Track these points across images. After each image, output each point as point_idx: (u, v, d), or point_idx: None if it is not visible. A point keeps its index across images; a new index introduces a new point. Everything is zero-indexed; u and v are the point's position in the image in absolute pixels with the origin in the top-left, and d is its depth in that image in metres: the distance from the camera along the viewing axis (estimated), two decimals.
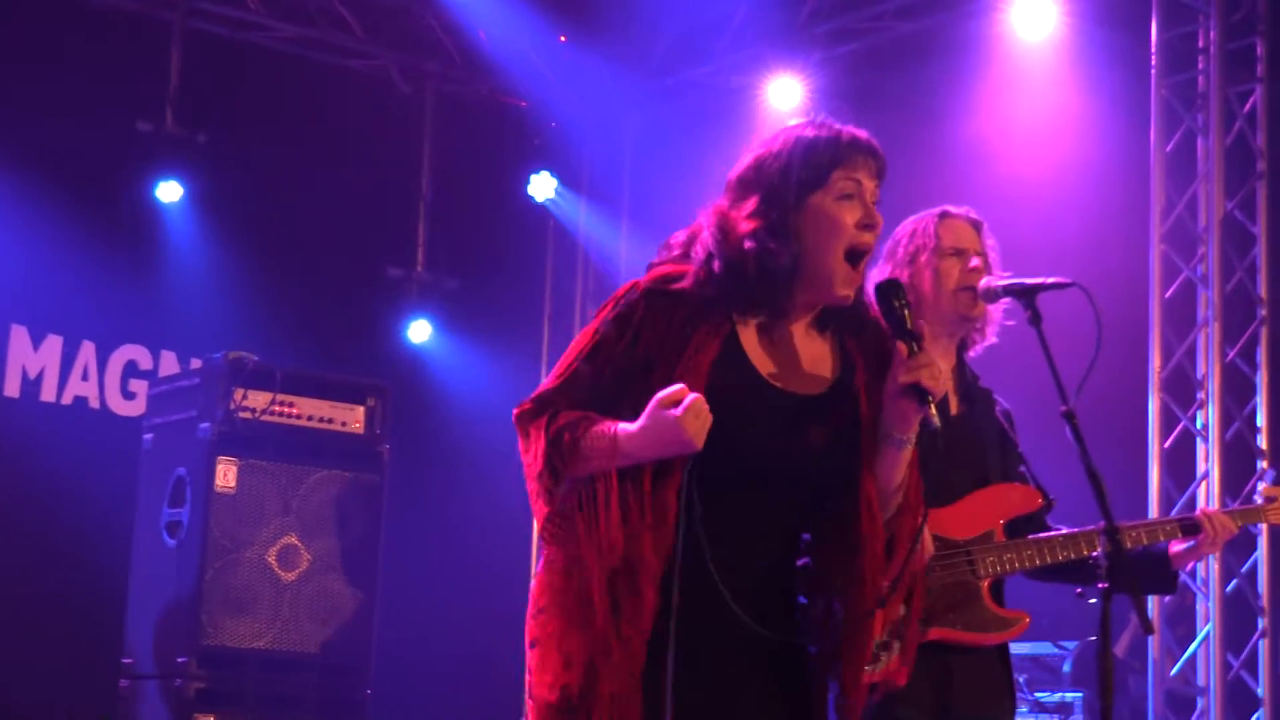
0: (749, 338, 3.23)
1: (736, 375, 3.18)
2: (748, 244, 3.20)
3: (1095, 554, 3.96)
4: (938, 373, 3.14)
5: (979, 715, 4.27)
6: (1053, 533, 4.33)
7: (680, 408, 3.01)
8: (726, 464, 3.13)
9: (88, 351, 9.70)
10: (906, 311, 3.19)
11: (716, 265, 3.21)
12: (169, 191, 9.85)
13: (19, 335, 9.52)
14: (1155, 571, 4.49)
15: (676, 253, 3.36)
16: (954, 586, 4.21)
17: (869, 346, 3.31)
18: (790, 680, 3.28)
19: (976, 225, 4.50)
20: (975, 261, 4.40)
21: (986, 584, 4.25)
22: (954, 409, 4.44)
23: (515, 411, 3.31)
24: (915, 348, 3.15)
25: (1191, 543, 4.47)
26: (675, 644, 3.10)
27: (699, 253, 3.27)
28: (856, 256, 3.20)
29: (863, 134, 3.29)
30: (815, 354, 3.28)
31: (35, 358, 9.54)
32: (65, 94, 9.50)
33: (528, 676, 3.23)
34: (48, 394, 9.59)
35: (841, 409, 3.23)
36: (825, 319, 3.30)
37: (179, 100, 9.87)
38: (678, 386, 3.04)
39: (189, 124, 9.81)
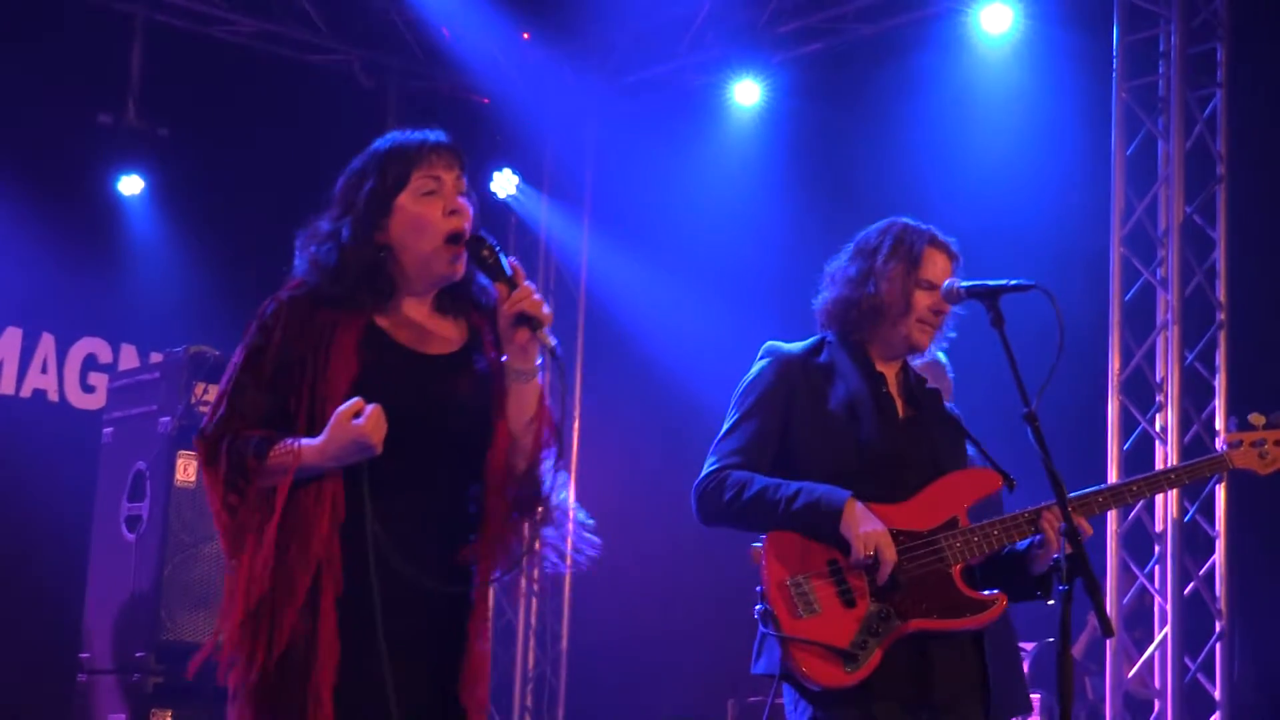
0: (384, 322, 3.58)
1: (381, 351, 3.53)
2: (324, 251, 3.55)
3: (1057, 555, 3.97)
4: (538, 298, 3.49)
5: (957, 704, 4.28)
6: (1017, 511, 4.33)
7: (363, 418, 3.35)
8: (400, 428, 3.43)
9: (47, 344, 9.65)
10: (497, 258, 3.53)
11: (320, 271, 3.55)
12: (130, 184, 9.82)
13: None
14: (1014, 573, 4.38)
15: (306, 267, 3.63)
16: (924, 577, 4.22)
17: (489, 318, 3.67)
18: (453, 625, 3.63)
19: (955, 260, 4.50)
20: (940, 302, 4.42)
21: (958, 570, 4.26)
22: (901, 413, 4.46)
23: (195, 440, 3.55)
24: (513, 284, 3.50)
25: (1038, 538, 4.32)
26: (353, 603, 3.43)
27: (315, 264, 3.58)
28: (455, 238, 3.55)
29: (435, 135, 3.62)
30: (444, 328, 3.65)
31: None
32: (26, 86, 9.45)
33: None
34: (6, 386, 9.54)
35: (475, 365, 3.62)
36: (448, 301, 3.66)
37: (141, 93, 9.84)
38: (354, 401, 3.37)
39: (151, 117, 9.77)
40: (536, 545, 3.76)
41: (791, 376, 4.42)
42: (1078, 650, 8.95)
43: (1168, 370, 8.25)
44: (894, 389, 4.48)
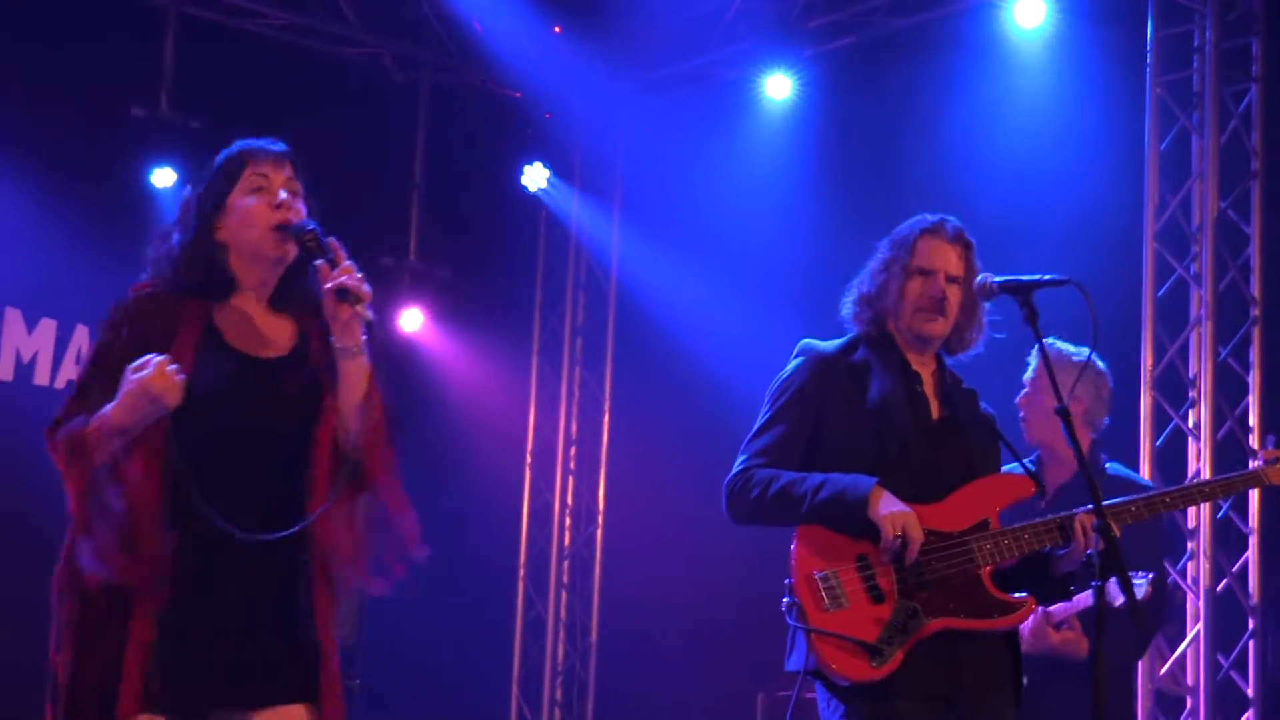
0: (224, 321, 3.83)
1: (214, 353, 3.76)
2: (168, 250, 3.85)
3: (1090, 551, 3.96)
4: (357, 276, 3.70)
5: (986, 704, 4.27)
6: (1049, 516, 4.32)
7: (147, 369, 3.54)
8: (218, 420, 3.69)
9: (81, 335, 9.69)
10: (317, 239, 3.76)
11: (169, 270, 3.84)
12: (163, 177, 9.85)
13: (13, 319, 9.51)
14: (1040, 572, 4.39)
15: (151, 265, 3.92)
16: (953, 577, 4.22)
17: (320, 316, 3.85)
18: (284, 583, 3.78)
19: (963, 246, 4.48)
20: (939, 286, 4.40)
21: (987, 571, 4.26)
22: (935, 413, 4.45)
23: (44, 433, 3.77)
24: (333, 264, 3.73)
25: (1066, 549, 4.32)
26: (186, 574, 3.64)
27: (160, 260, 3.88)
28: (284, 228, 3.80)
29: (267, 142, 3.93)
30: (277, 329, 3.88)
31: (29, 341, 9.54)
32: (60, 79, 9.48)
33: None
34: (41, 378, 9.58)
35: (303, 368, 3.82)
36: (283, 301, 3.89)
37: (173, 86, 9.87)
38: (146, 357, 3.58)
39: (183, 110, 9.80)
40: (359, 534, 3.88)
41: (825, 375, 4.41)
42: None
43: (1201, 366, 8.21)
44: (929, 389, 4.47)
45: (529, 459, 11.80)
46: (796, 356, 4.51)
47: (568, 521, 11.72)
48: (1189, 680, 8.03)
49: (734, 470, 4.40)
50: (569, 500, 11.74)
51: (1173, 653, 8.09)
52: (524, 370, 11.86)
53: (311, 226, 3.79)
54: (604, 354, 11.73)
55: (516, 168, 11.41)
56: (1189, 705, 8.01)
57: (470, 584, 10.77)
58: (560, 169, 11.61)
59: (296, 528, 3.68)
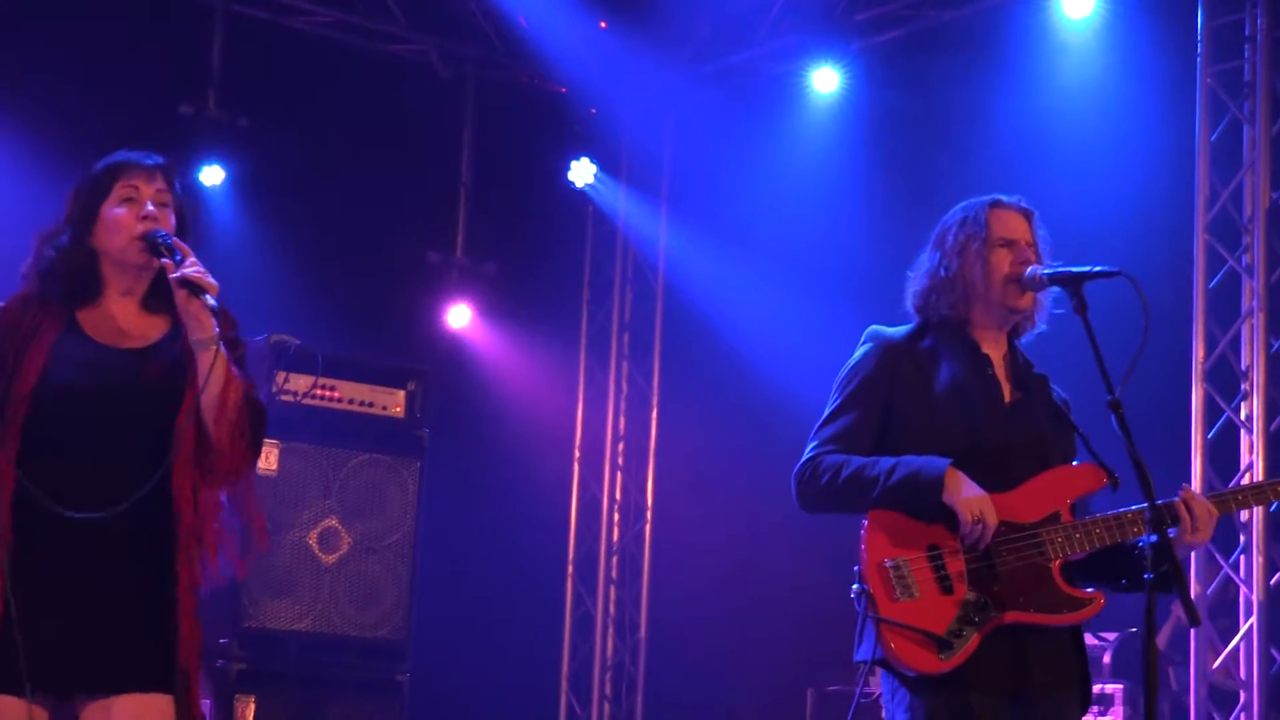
0: (87, 320, 3.98)
1: (76, 346, 3.93)
2: (42, 258, 4.01)
3: (1142, 542, 3.93)
4: (200, 269, 3.84)
5: (1053, 698, 4.24)
6: (1121, 510, 4.28)
7: None
8: (76, 406, 3.85)
9: None
10: (165, 245, 3.91)
11: (36, 276, 4.00)
12: (211, 175, 9.89)
13: None
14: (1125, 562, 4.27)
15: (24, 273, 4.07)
16: (1024, 569, 4.18)
17: None
18: (144, 569, 3.89)
19: (1027, 215, 4.47)
20: (1025, 253, 4.37)
21: (1057, 565, 4.22)
22: (1008, 397, 4.41)
23: None
24: (175, 259, 3.86)
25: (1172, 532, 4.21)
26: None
27: (36, 270, 4.02)
28: (147, 239, 3.94)
29: (140, 154, 4.10)
30: (146, 326, 4.02)
31: None
32: (108, 78, 9.53)
33: None
34: None
35: (166, 355, 3.97)
36: (156, 301, 4.03)
37: (221, 84, 9.91)
38: None
39: (231, 108, 9.84)
40: (218, 525, 3.99)
41: (893, 361, 4.38)
42: (1162, 641, 8.87)
43: (1253, 358, 8.16)
44: (1000, 372, 4.43)
45: (577, 455, 11.80)
46: (864, 343, 4.47)
47: (616, 517, 11.72)
48: (1241, 674, 7.99)
49: (803, 458, 4.37)
50: (617, 496, 11.74)
51: (1225, 646, 8.04)
52: (572, 366, 11.87)
53: (163, 235, 3.93)
54: (651, 349, 11.72)
55: (563, 163, 11.41)
56: (1242, 699, 7.97)
57: (519, 580, 10.78)
58: (607, 164, 11.60)
59: (123, 505, 3.76)
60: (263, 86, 10.14)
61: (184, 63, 9.92)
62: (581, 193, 11.62)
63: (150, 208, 3.99)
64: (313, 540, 7.61)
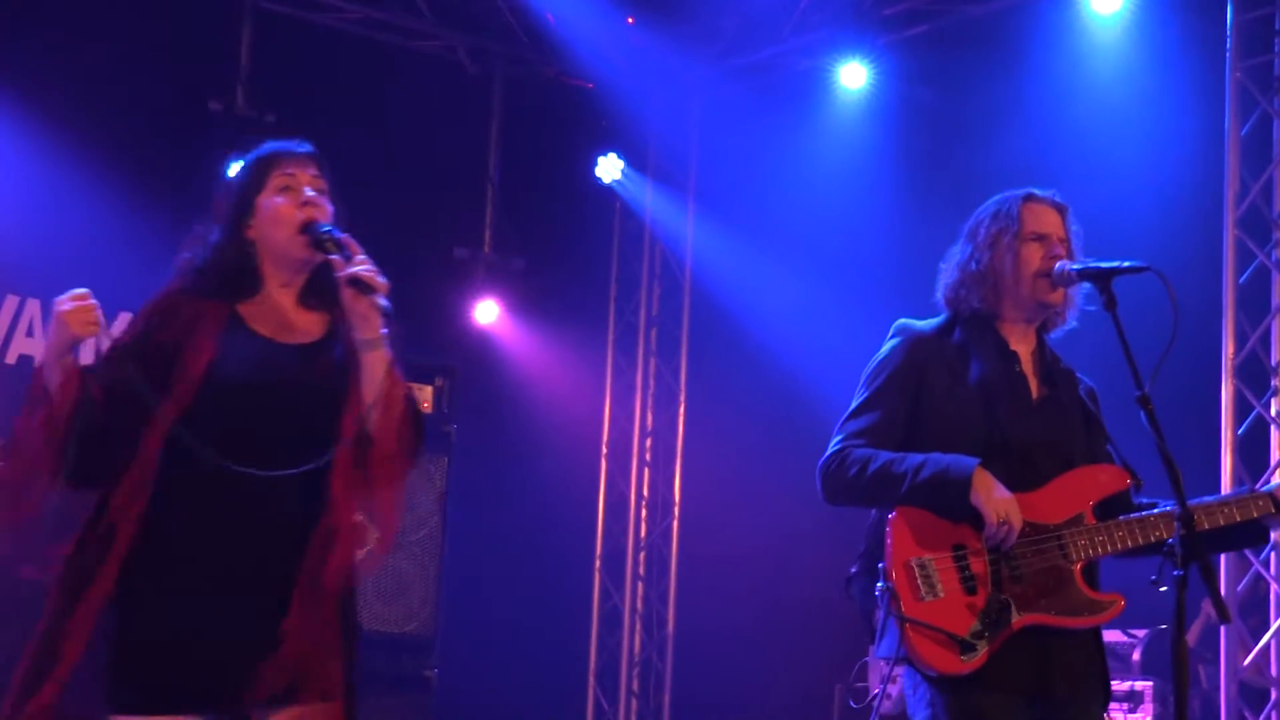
0: (249, 313, 3.91)
1: (241, 339, 3.86)
2: (197, 252, 3.95)
3: (1171, 540, 3.91)
4: (370, 268, 3.77)
5: (1075, 700, 4.24)
6: (1144, 513, 4.27)
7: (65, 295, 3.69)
8: (243, 400, 3.77)
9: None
10: (332, 236, 3.84)
11: (193, 271, 3.94)
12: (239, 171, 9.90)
13: None
14: (1248, 532, 4.42)
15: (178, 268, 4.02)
16: (1046, 571, 4.18)
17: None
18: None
19: (1061, 210, 4.46)
20: (1056, 248, 4.36)
21: (1079, 567, 4.21)
22: (1035, 393, 4.40)
23: None
24: (345, 256, 3.79)
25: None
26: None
27: (187, 264, 3.98)
28: (309, 227, 3.87)
29: (293, 144, 4.02)
30: (306, 320, 3.95)
31: (107, 334, 9.62)
32: (137, 74, 9.55)
33: None
34: None
35: (332, 353, 3.90)
36: (313, 297, 3.97)
37: (249, 80, 9.93)
38: (73, 290, 3.71)
39: (259, 104, 9.86)
40: (367, 525, 3.92)
41: (922, 356, 4.36)
42: (1192, 638, 8.84)
43: None
44: (1028, 368, 4.42)
45: (604, 451, 11.80)
46: (893, 336, 4.45)
47: (643, 513, 11.72)
48: (1273, 671, 7.95)
49: (829, 450, 4.36)
50: (645, 492, 11.74)
51: (1256, 644, 8.01)
52: (599, 362, 11.87)
53: (328, 228, 3.86)
54: (679, 345, 11.72)
55: (590, 159, 11.41)
56: (1273, 697, 7.93)
57: (546, 576, 10.78)
58: (634, 160, 11.60)
59: (301, 468, 3.69)
60: (291, 83, 10.15)
61: (212, 59, 9.94)
62: (609, 188, 11.62)
63: (310, 193, 3.93)
64: None
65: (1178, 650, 3.79)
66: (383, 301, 3.74)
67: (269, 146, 4.02)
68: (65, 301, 3.70)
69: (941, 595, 4.13)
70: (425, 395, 7.98)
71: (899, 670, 4.29)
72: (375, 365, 3.80)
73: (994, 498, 4.11)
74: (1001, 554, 4.16)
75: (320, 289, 3.95)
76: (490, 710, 9.99)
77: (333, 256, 3.81)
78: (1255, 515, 4.35)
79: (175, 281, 3.94)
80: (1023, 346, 4.43)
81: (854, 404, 4.40)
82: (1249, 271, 8.28)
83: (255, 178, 3.95)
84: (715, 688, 10.70)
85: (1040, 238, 4.38)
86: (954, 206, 4.71)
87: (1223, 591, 7.60)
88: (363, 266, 3.77)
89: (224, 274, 3.90)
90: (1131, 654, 8.35)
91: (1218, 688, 8.07)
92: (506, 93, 11.31)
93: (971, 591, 4.15)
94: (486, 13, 10.93)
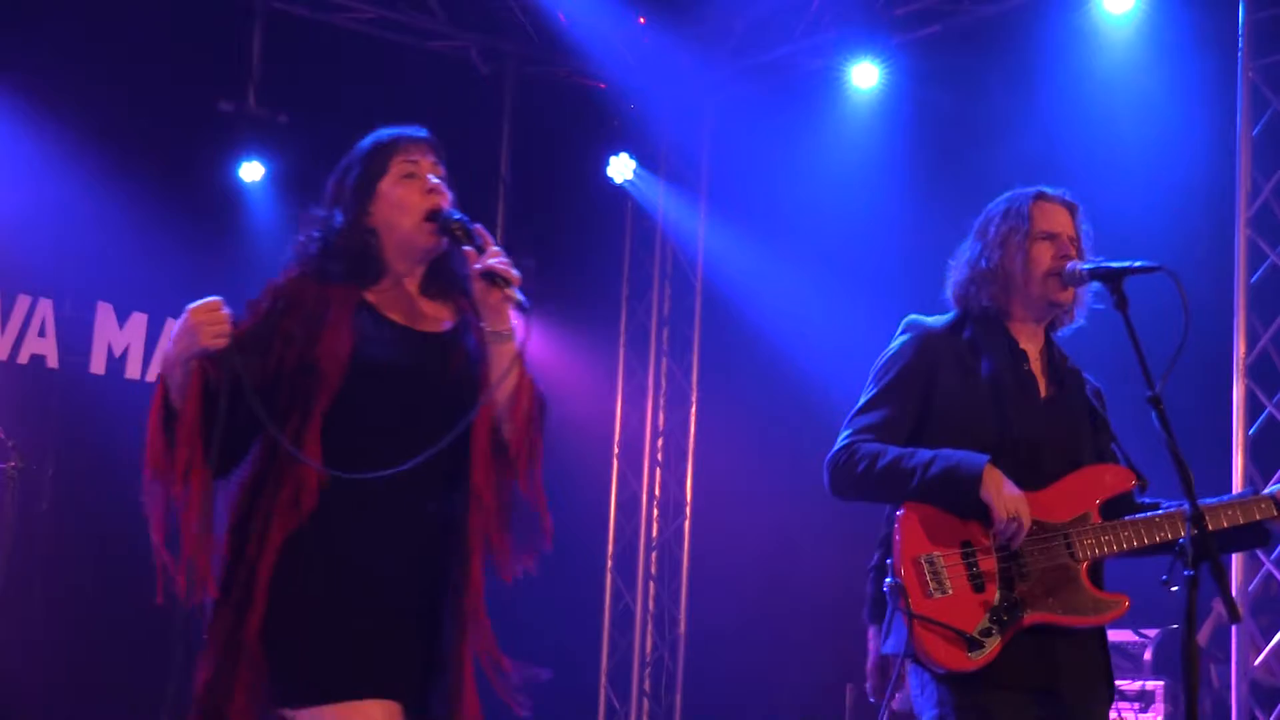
0: (378, 300, 3.82)
1: (375, 326, 3.77)
2: (317, 239, 3.84)
3: (1183, 539, 3.91)
4: (505, 260, 3.69)
5: (1080, 698, 4.24)
6: (1150, 513, 4.28)
7: (198, 303, 3.61)
8: (384, 390, 3.70)
9: (172, 329, 9.78)
10: (464, 226, 3.76)
11: (314, 258, 3.83)
12: (251, 171, 9.93)
13: (105, 313, 9.62)
14: (1251, 533, 4.41)
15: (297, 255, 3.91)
16: (1052, 570, 4.18)
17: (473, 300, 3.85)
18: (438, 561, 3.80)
19: (1072, 208, 4.45)
20: (1067, 247, 4.36)
21: (1085, 567, 4.21)
22: (1043, 392, 4.39)
23: None
24: (481, 249, 3.71)
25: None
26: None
27: (306, 250, 3.87)
28: (435, 214, 3.79)
29: (412, 129, 3.92)
30: (434, 308, 3.88)
31: (120, 335, 9.65)
32: (149, 74, 9.58)
33: None
34: (133, 371, 9.69)
35: (465, 343, 3.83)
36: (435, 285, 3.89)
37: (261, 80, 9.95)
38: (206, 299, 3.62)
39: (271, 104, 9.88)
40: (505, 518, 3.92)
41: (932, 353, 4.36)
42: (1203, 638, 8.83)
43: None
44: (1036, 367, 4.42)
45: (616, 451, 11.82)
46: (903, 333, 4.45)
47: (655, 513, 11.73)
48: None
49: (838, 444, 4.35)
50: (656, 492, 11.75)
51: (1267, 643, 8.00)
52: (611, 362, 11.88)
53: (459, 216, 3.78)
54: (690, 345, 11.73)
55: (602, 159, 11.42)
56: None
57: (558, 575, 10.74)
58: (646, 160, 11.61)
59: (405, 465, 3.60)
60: (303, 82, 10.17)
61: (224, 59, 9.96)
62: (620, 188, 11.63)
63: (434, 180, 3.84)
64: None
65: (1188, 649, 3.79)
66: (519, 295, 3.68)
67: (388, 131, 3.91)
68: (198, 311, 3.61)
69: (949, 592, 4.13)
70: None
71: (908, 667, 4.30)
72: (504, 357, 3.75)
73: (1004, 494, 4.11)
74: (1008, 552, 4.17)
75: (440, 277, 3.88)
76: (502, 709, 9.99)
77: (466, 248, 3.74)
78: (1257, 518, 4.33)
79: (295, 266, 3.85)
80: (1032, 345, 4.43)
81: (863, 399, 4.39)
82: (1261, 271, 8.27)
83: (377, 163, 3.86)
84: (727, 687, 10.70)
85: (1051, 237, 4.37)
86: (965, 206, 4.70)
87: (1234, 591, 7.60)
88: (498, 259, 3.70)
89: (348, 259, 3.80)
90: (1143, 654, 8.34)
91: (1229, 686, 8.06)
92: (518, 93, 11.32)
93: (980, 589, 4.15)
94: (499, 13, 10.95)
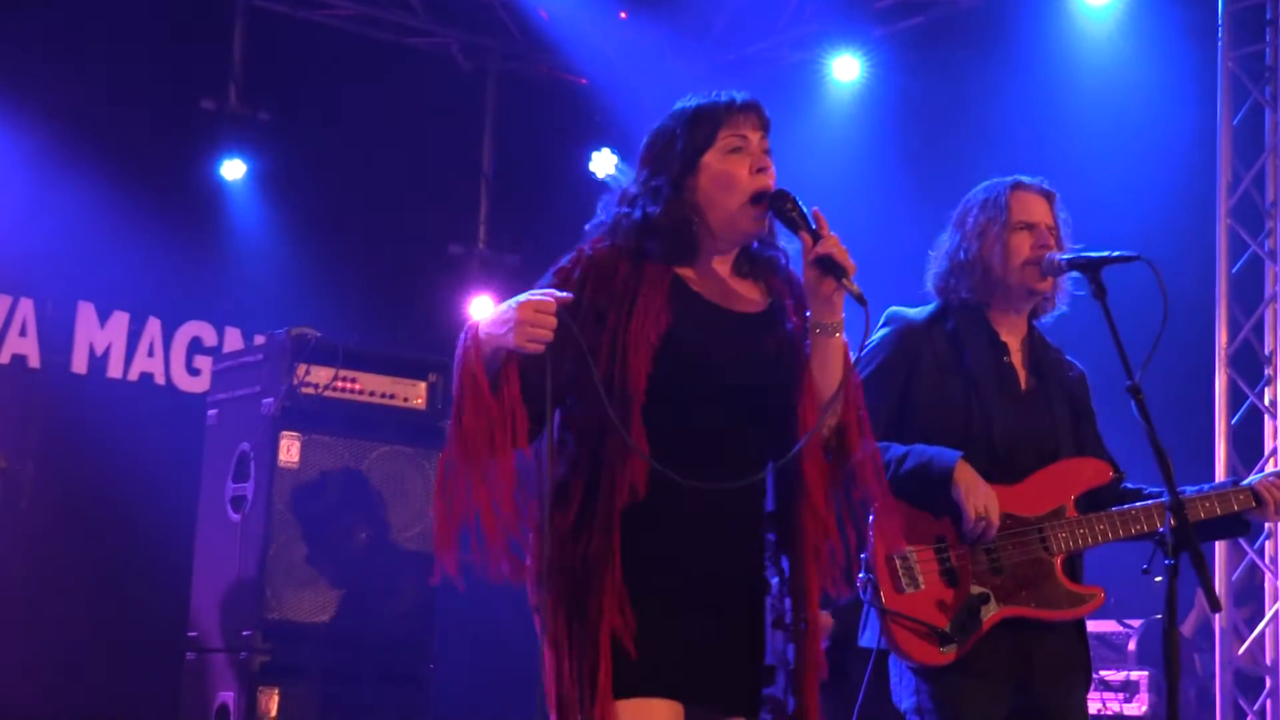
0: (689, 277, 3.57)
1: (689, 304, 3.52)
2: (632, 210, 3.58)
3: (1163, 529, 3.91)
4: (842, 247, 3.48)
5: (1057, 688, 4.25)
6: (1128, 504, 4.28)
7: (530, 295, 3.39)
8: (698, 370, 3.46)
9: (153, 328, 9.76)
10: (800, 209, 3.53)
11: (626, 230, 3.57)
12: (233, 169, 9.91)
13: (86, 312, 9.59)
14: (1231, 523, 4.41)
15: (609, 225, 3.66)
16: (1027, 564, 4.19)
17: (789, 282, 3.68)
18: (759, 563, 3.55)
19: (1049, 197, 4.46)
20: (1045, 237, 4.36)
21: (1060, 560, 4.22)
22: (1023, 384, 4.40)
23: None
24: (816, 235, 3.49)
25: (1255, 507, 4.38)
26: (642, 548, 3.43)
27: (620, 222, 3.60)
28: (760, 197, 3.55)
29: (742, 95, 3.65)
30: (746, 288, 3.64)
31: (102, 334, 9.62)
32: (130, 73, 9.56)
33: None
34: (114, 370, 9.66)
35: (781, 325, 3.60)
36: (746, 264, 3.66)
37: (243, 78, 9.93)
38: (547, 293, 3.39)
39: (252, 102, 9.86)
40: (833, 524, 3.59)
41: (912, 345, 4.36)
42: (1188, 629, 8.85)
43: (1276, 343, 8.13)
44: (1017, 359, 4.42)
45: None
46: (883, 325, 4.45)
47: None
48: (1267, 659, 7.96)
49: None
50: None
51: (1251, 632, 8.02)
52: None
53: (793, 195, 3.56)
54: None
55: (584, 154, 11.39)
56: (1268, 685, 7.94)
57: None
58: (628, 155, 11.59)
59: (753, 477, 3.43)
60: (284, 80, 10.15)
61: (205, 57, 9.95)
62: (603, 184, 11.58)
63: (764, 159, 3.60)
64: (335, 532, 7.61)
65: (1169, 638, 3.80)
66: (856, 286, 3.47)
67: (715, 97, 3.65)
68: (526, 308, 3.36)
69: (922, 587, 4.15)
70: (419, 391, 7.96)
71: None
72: (834, 351, 3.53)
73: (975, 493, 4.12)
74: (983, 546, 4.17)
75: (753, 259, 3.66)
76: (487, 708, 9.98)
77: (801, 233, 3.51)
78: (1235, 509, 4.34)
79: (605, 237, 3.60)
80: (1013, 336, 4.43)
81: None
82: (1242, 261, 8.29)
83: (703, 133, 3.59)
84: None
85: (1029, 226, 4.37)
86: (947, 199, 4.71)
87: (1217, 580, 7.62)
88: (836, 246, 3.49)
89: (669, 237, 3.54)
90: (1127, 644, 8.35)
91: (1213, 675, 8.08)
92: (500, 89, 11.30)
93: (952, 584, 4.16)
94: (480, 9, 10.92)
